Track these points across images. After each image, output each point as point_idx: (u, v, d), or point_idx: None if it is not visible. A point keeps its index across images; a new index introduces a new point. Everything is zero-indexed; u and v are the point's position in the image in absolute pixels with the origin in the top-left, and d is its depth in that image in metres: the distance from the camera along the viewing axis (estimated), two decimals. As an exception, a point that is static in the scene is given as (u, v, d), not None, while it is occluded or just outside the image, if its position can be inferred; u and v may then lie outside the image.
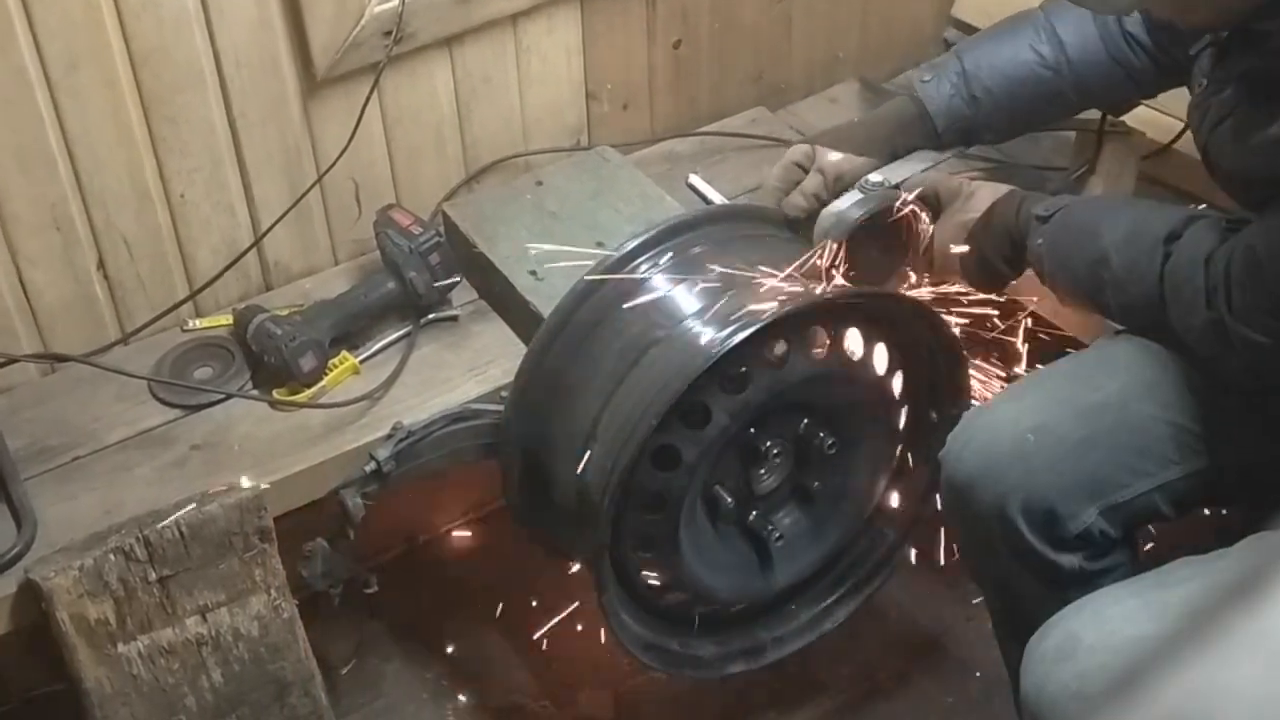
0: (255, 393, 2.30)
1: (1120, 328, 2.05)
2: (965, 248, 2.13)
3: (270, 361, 2.27)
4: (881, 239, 2.18)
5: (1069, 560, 1.92)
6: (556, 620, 2.43)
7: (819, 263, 2.13)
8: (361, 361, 2.34)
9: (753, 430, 2.17)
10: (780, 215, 2.29)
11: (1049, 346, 2.28)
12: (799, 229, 2.26)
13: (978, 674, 2.60)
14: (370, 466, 2.15)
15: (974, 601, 2.24)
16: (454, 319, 2.42)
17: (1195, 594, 1.70)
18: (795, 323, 2.06)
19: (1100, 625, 1.75)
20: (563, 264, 2.25)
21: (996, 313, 2.24)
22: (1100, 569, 1.94)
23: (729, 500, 2.21)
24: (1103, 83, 2.26)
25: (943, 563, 2.35)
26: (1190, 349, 1.89)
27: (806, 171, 2.28)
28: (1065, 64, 2.24)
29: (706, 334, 2.05)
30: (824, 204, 2.23)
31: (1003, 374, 2.29)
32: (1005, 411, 2.00)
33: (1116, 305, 1.96)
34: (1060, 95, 2.27)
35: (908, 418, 2.33)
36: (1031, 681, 1.79)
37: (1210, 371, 1.90)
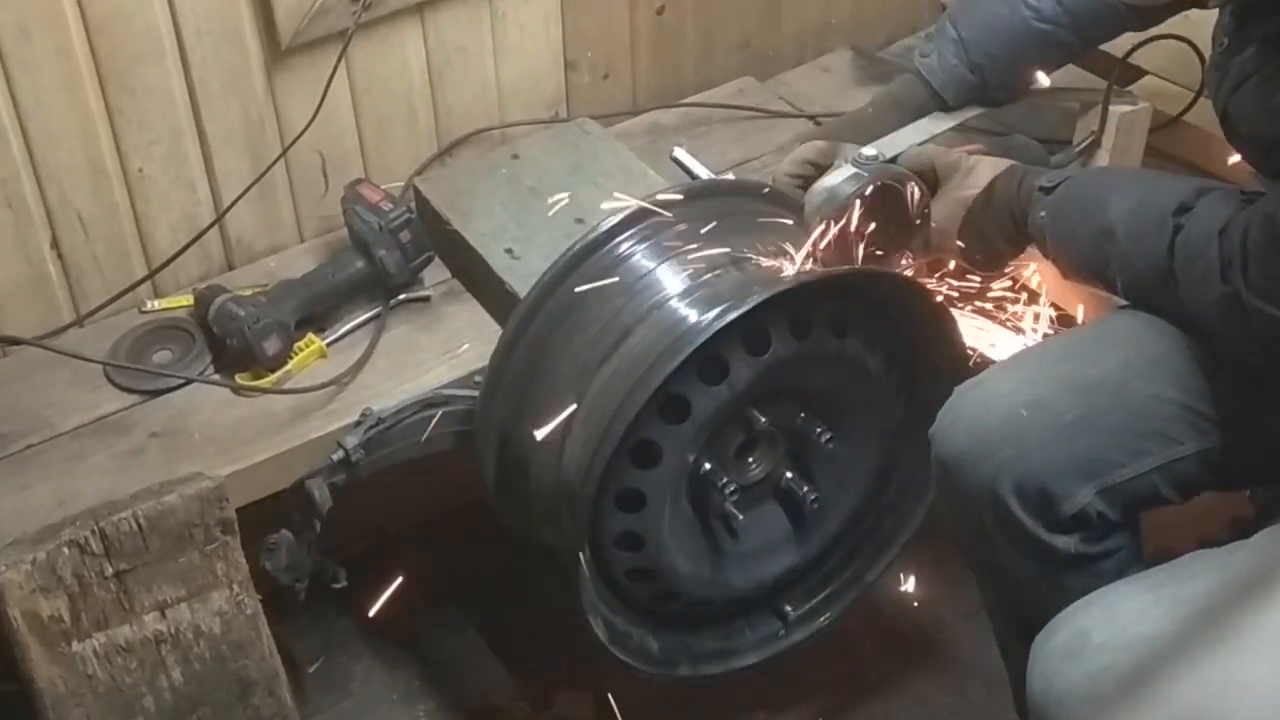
0: (217, 377, 2.30)
1: (1124, 304, 2.05)
2: (962, 224, 2.14)
3: (233, 344, 2.27)
4: (876, 215, 2.17)
5: (1064, 542, 1.91)
6: (531, 616, 2.43)
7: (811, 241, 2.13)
8: (329, 344, 2.34)
9: (751, 412, 2.17)
10: (769, 190, 2.29)
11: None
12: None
13: (977, 674, 2.60)
14: (338, 455, 2.15)
15: (973, 598, 2.23)
16: (426, 299, 2.43)
17: (1211, 589, 1.70)
18: (791, 301, 2.06)
19: (1111, 622, 1.75)
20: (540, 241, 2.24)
21: (996, 292, 2.24)
22: (1098, 552, 1.93)
23: (718, 478, 2.20)
24: (1104, 23, 2.33)
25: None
26: (1199, 325, 1.89)
27: (820, 169, 2.28)
28: (1062, 14, 2.28)
29: (695, 314, 2.05)
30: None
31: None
32: (998, 386, 1.99)
33: (1122, 280, 1.96)
34: (1063, 44, 2.35)
35: (903, 410, 2.33)
36: (1039, 681, 1.78)
37: (1219, 349, 1.90)
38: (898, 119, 2.35)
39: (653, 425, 2.04)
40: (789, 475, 2.28)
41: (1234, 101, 1.90)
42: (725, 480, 2.17)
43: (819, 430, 2.23)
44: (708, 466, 2.17)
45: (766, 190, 2.26)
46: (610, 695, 2.55)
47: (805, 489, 2.27)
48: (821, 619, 2.45)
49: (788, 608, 2.42)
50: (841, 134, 2.34)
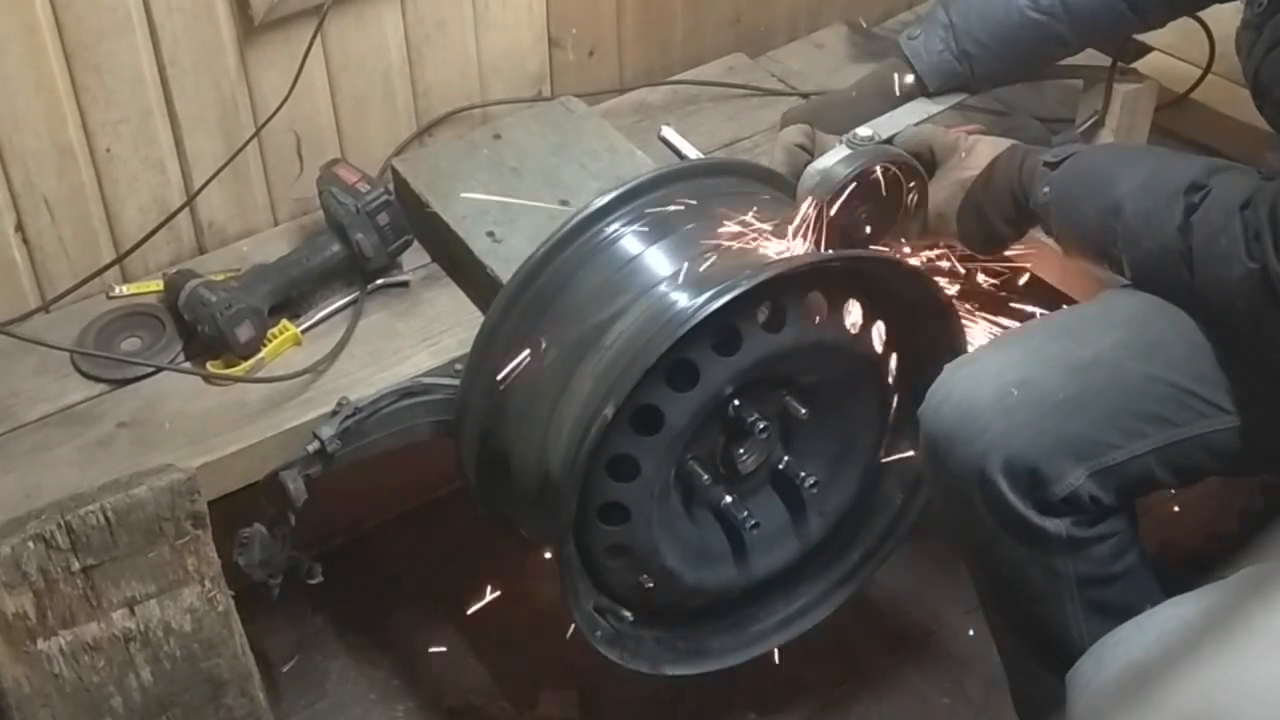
0: (188, 365, 2.29)
1: (1125, 283, 2.05)
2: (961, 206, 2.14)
3: (204, 331, 2.26)
4: (871, 198, 2.17)
5: (1055, 525, 1.92)
6: (515, 613, 2.42)
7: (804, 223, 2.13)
8: (303, 331, 2.34)
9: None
10: (760, 170, 2.29)
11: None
12: None
13: (975, 672, 2.60)
14: (313, 446, 2.15)
15: (971, 595, 2.23)
16: (404, 285, 2.42)
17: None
18: (784, 286, 2.06)
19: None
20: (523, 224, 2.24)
21: (994, 279, 2.24)
22: (1091, 536, 1.94)
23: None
24: (1102, 19, 2.28)
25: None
26: (1213, 306, 1.88)
27: (808, 150, 2.28)
28: (1059, 5, 2.25)
29: (685, 297, 2.05)
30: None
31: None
32: (989, 364, 1.99)
33: (1128, 259, 1.96)
34: (1057, 38, 2.30)
35: (899, 400, 2.33)
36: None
37: (1224, 331, 1.91)
38: (881, 106, 2.33)
39: (659, 393, 2.05)
40: (729, 499, 2.26)
41: (1267, 64, 1.89)
42: (755, 416, 2.17)
43: (803, 475, 2.25)
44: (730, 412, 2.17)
45: (758, 170, 2.27)
46: (597, 694, 2.55)
47: (744, 514, 2.25)
48: (657, 666, 2.37)
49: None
50: (822, 115, 2.33)
